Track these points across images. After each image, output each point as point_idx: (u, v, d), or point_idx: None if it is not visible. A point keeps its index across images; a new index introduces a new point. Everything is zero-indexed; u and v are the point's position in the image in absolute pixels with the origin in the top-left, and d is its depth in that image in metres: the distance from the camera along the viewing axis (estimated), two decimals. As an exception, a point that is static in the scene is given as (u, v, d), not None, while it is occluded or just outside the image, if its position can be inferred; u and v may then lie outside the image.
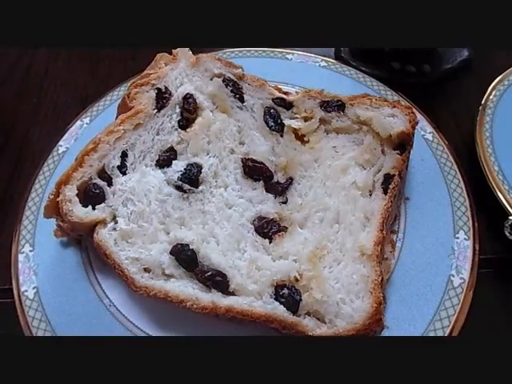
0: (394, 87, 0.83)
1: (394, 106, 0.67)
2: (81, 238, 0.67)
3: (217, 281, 0.57)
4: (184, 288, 0.57)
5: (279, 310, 0.54)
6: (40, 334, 0.61)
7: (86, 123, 0.83)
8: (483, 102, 0.79)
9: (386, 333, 0.59)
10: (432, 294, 0.61)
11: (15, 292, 0.65)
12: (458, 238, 0.65)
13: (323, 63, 0.89)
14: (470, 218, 0.67)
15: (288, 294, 0.55)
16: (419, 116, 0.78)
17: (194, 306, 0.55)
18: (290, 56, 0.90)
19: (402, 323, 0.59)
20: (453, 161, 0.73)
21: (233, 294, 0.57)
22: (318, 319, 0.55)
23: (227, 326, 0.59)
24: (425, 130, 0.77)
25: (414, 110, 0.78)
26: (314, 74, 0.87)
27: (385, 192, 0.63)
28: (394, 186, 0.63)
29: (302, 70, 0.88)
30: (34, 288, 0.65)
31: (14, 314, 0.64)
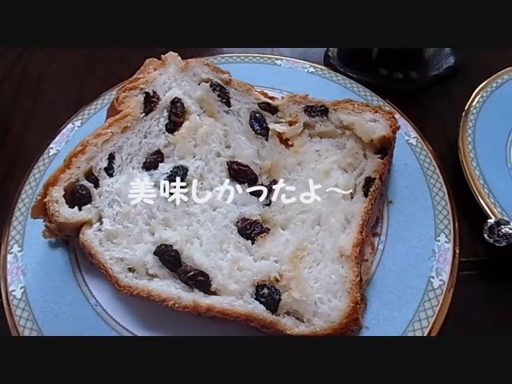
0: (382, 93, 0.85)
1: (376, 112, 0.69)
2: (69, 239, 0.69)
3: (199, 280, 0.58)
4: (167, 287, 0.58)
5: (259, 309, 0.55)
6: (26, 333, 0.62)
7: (78, 126, 0.84)
8: (466, 107, 0.80)
9: (366, 333, 0.59)
10: (412, 295, 0.62)
11: (3, 291, 0.66)
12: (438, 240, 0.66)
13: (312, 69, 0.90)
14: (451, 222, 0.68)
15: (268, 293, 0.56)
16: (404, 121, 0.80)
17: (176, 304, 0.56)
18: (279, 62, 0.92)
19: (382, 324, 0.60)
20: (435, 165, 0.74)
21: (214, 293, 0.58)
22: (298, 318, 0.56)
23: (212, 326, 0.60)
24: (409, 135, 0.78)
25: (399, 115, 0.80)
26: (303, 80, 0.88)
27: (365, 195, 0.64)
28: (374, 189, 0.64)
29: (291, 76, 0.89)
30: (21, 288, 0.66)
31: (2, 313, 0.65)
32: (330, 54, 0.95)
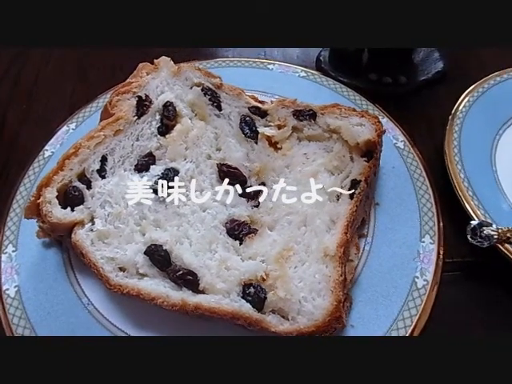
0: (371, 97, 0.86)
1: (362, 116, 0.70)
2: (61, 239, 0.70)
3: (187, 279, 0.59)
4: (156, 286, 0.59)
5: (245, 308, 0.57)
6: (19, 331, 0.64)
7: (72, 129, 0.86)
8: (453, 111, 0.82)
9: (351, 331, 0.61)
10: (397, 295, 0.64)
11: (-3, 291, 0.68)
12: (423, 241, 0.68)
13: (303, 73, 0.92)
14: (436, 223, 0.69)
15: (254, 292, 0.58)
16: (392, 125, 0.82)
17: (165, 303, 0.58)
18: (271, 66, 0.93)
19: (367, 322, 0.62)
20: (422, 168, 0.76)
21: (202, 292, 0.59)
22: (283, 316, 0.57)
23: (203, 325, 0.61)
24: (397, 138, 0.80)
25: (388, 119, 0.82)
26: (294, 84, 0.90)
27: (351, 197, 0.66)
28: (359, 191, 0.66)
29: (283, 80, 0.91)
30: (15, 287, 0.67)
31: (-5, 311, 0.66)
32: (321, 58, 0.97)
